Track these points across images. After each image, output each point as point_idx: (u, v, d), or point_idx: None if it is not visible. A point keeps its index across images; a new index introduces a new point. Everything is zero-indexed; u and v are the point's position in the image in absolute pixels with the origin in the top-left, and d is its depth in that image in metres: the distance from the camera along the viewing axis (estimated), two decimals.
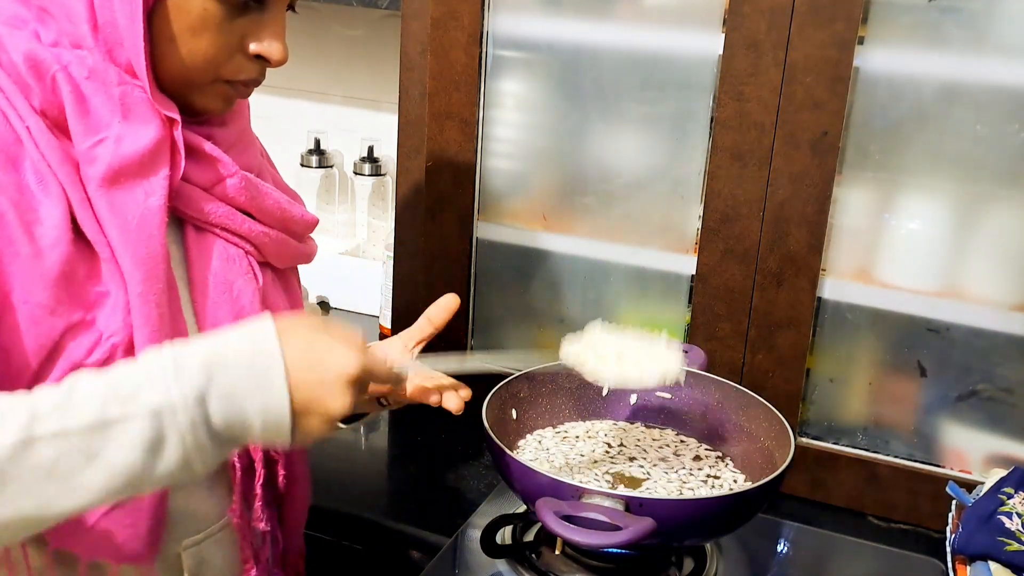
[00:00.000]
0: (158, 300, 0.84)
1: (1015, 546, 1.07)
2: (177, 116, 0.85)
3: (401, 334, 1.05)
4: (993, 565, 1.07)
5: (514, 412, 1.17)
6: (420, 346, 1.04)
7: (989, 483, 1.17)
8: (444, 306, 1.04)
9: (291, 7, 0.89)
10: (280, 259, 0.98)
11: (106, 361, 0.82)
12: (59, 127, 0.82)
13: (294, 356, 0.76)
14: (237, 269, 0.93)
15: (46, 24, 0.82)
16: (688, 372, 1.21)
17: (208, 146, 0.89)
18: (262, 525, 0.97)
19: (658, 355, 1.00)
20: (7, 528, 0.70)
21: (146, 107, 0.83)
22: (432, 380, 1.03)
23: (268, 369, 0.75)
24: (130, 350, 0.83)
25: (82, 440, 0.70)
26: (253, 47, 0.86)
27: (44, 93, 0.81)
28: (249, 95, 0.92)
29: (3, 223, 0.78)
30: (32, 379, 0.80)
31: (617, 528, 0.91)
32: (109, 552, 0.87)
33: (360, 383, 0.79)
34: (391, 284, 1.55)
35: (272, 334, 0.76)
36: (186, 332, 0.88)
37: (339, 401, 0.77)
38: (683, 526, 0.99)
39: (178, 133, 0.85)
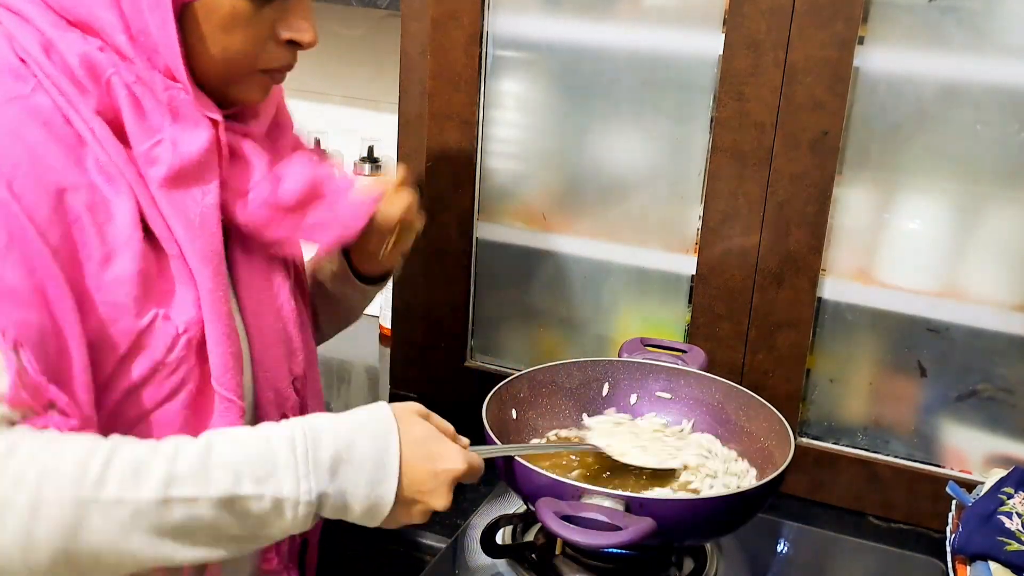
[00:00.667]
0: (224, 296, 0.87)
1: (1015, 546, 1.07)
2: (220, 117, 0.87)
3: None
4: (993, 565, 1.07)
5: (514, 412, 1.17)
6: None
7: (989, 483, 1.17)
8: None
9: None
10: (322, 236, 0.98)
11: (184, 358, 0.85)
12: (116, 130, 0.83)
13: (410, 451, 0.84)
14: (273, 266, 0.97)
15: (87, 35, 0.83)
16: (688, 372, 1.21)
17: (247, 146, 0.91)
18: None
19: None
20: (114, 570, 0.76)
21: (192, 109, 0.85)
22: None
23: (385, 471, 0.83)
24: (202, 345, 0.86)
25: (210, 511, 0.76)
26: (284, 33, 0.88)
27: (100, 96, 0.82)
28: (283, 80, 0.94)
29: (79, 225, 0.79)
30: (113, 374, 0.82)
31: (617, 528, 0.91)
32: None
33: (464, 479, 0.88)
34: (391, 284, 1.55)
35: (395, 435, 0.84)
36: (236, 329, 0.90)
37: (442, 500, 0.85)
38: (683, 526, 0.99)
39: (222, 134, 0.88)
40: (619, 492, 0.95)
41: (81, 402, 0.78)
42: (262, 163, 0.92)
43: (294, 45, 0.89)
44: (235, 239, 0.93)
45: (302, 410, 0.99)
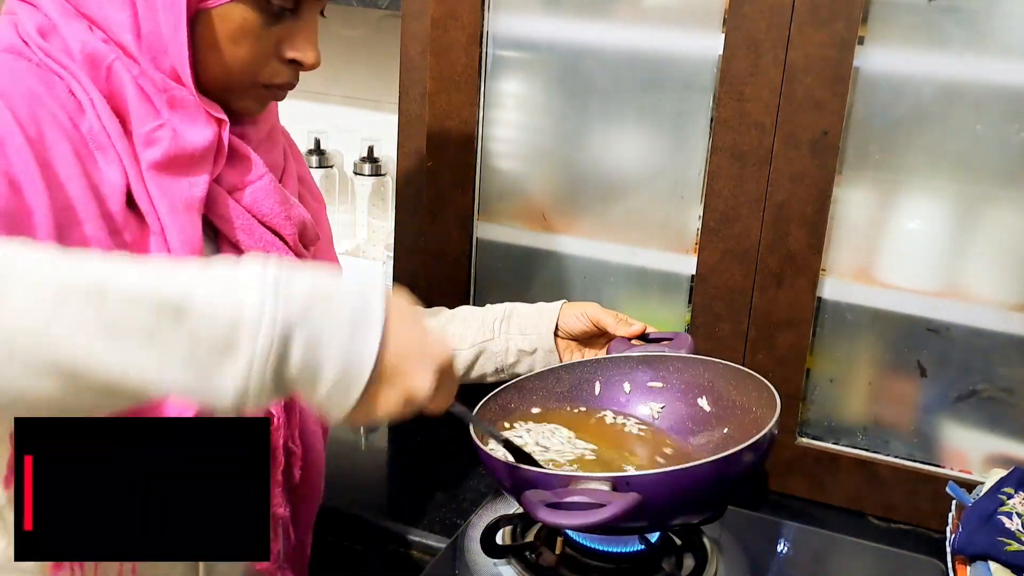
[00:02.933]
0: None
1: (1015, 546, 1.07)
2: (225, 117, 0.89)
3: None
4: (993, 565, 1.07)
5: (505, 423, 1.16)
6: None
7: (989, 483, 1.17)
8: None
9: (321, 12, 0.93)
10: None
11: None
12: (116, 110, 0.85)
13: (398, 321, 0.71)
14: None
15: (93, 29, 0.85)
16: (673, 357, 1.19)
17: (248, 149, 0.93)
18: (281, 510, 0.99)
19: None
20: (36, 368, 0.63)
21: (194, 106, 0.87)
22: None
23: (367, 323, 0.69)
24: None
25: (152, 314, 0.64)
26: (289, 52, 0.91)
27: (102, 78, 0.84)
28: (283, 97, 0.96)
29: (66, 162, 0.80)
30: None
31: (602, 507, 0.90)
32: None
33: (444, 378, 0.74)
34: (391, 284, 1.55)
35: (381, 293, 0.71)
36: None
37: (423, 381, 0.72)
38: (669, 499, 0.95)
39: (225, 135, 0.89)
40: (605, 474, 0.94)
41: None
42: (260, 166, 0.94)
43: (296, 64, 0.92)
44: (224, 240, 0.94)
45: (288, 408, 0.99)
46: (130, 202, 0.85)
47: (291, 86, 0.94)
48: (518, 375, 1.21)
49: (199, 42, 0.87)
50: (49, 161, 0.79)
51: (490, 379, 1.22)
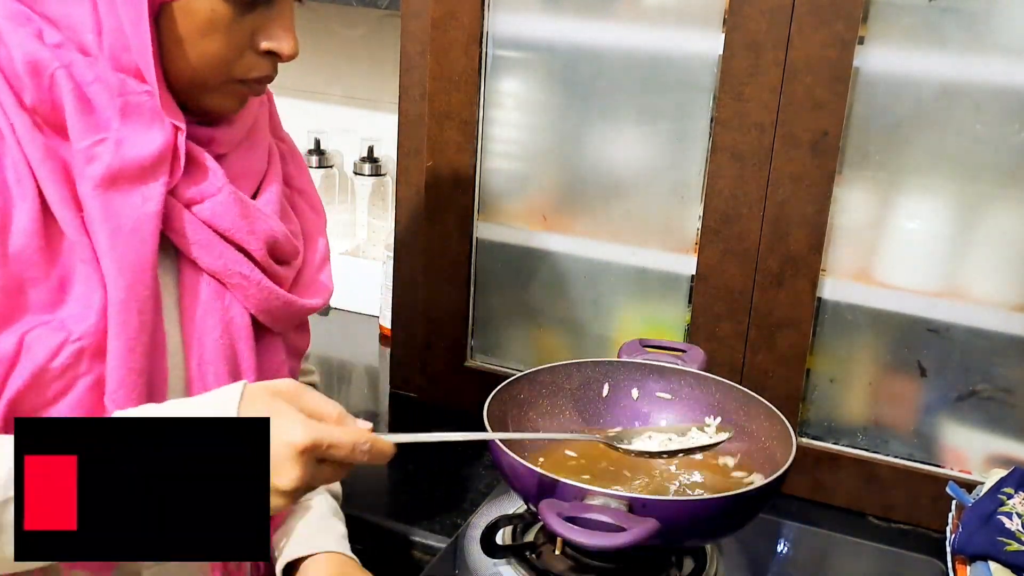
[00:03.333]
0: (140, 308, 0.82)
1: (1015, 546, 1.07)
2: (183, 124, 0.84)
3: None
4: (993, 565, 1.07)
5: (514, 412, 1.17)
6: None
7: (989, 483, 1.17)
8: None
9: None
10: (248, 297, 0.91)
11: (72, 364, 0.80)
12: (51, 124, 0.80)
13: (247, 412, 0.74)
14: (220, 294, 0.90)
15: (50, 29, 0.81)
16: (688, 372, 1.21)
17: (205, 157, 0.87)
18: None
19: None
20: None
21: (150, 112, 0.82)
22: None
23: None
24: (99, 355, 0.81)
25: None
26: (264, 43, 0.85)
27: (39, 91, 0.79)
28: (262, 92, 0.91)
29: None
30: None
31: (621, 529, 0.91)
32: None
33: (312, 456, 0.74)
34: (391, 284, 1.55)
35: (234, 404, 0.74)
36: (164, 345, 0.86)
37: (286, 476, 0.73)
38: (686, 527, 0.99)
39: (181, 141, 0.84)
40: (622, 492, 0.95)
41: None
42: (219, 176, 0.88)
43: (273, 56, 0.86)
44: (183, 259, 0.88)
45: None
46: (53, 231, 0.80)
47: (269, 80, 0.88)
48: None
49: (166, 37, 0.81)
50: None
51: None
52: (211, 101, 0.87)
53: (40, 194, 0.79)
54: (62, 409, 0.80)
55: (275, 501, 0.74)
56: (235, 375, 0.90)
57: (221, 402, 0.75)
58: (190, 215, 0.86)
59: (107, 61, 0.81)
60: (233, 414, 0.74)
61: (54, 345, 0.79)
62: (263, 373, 0.93)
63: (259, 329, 0.94)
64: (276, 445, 0.72)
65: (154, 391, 0.84)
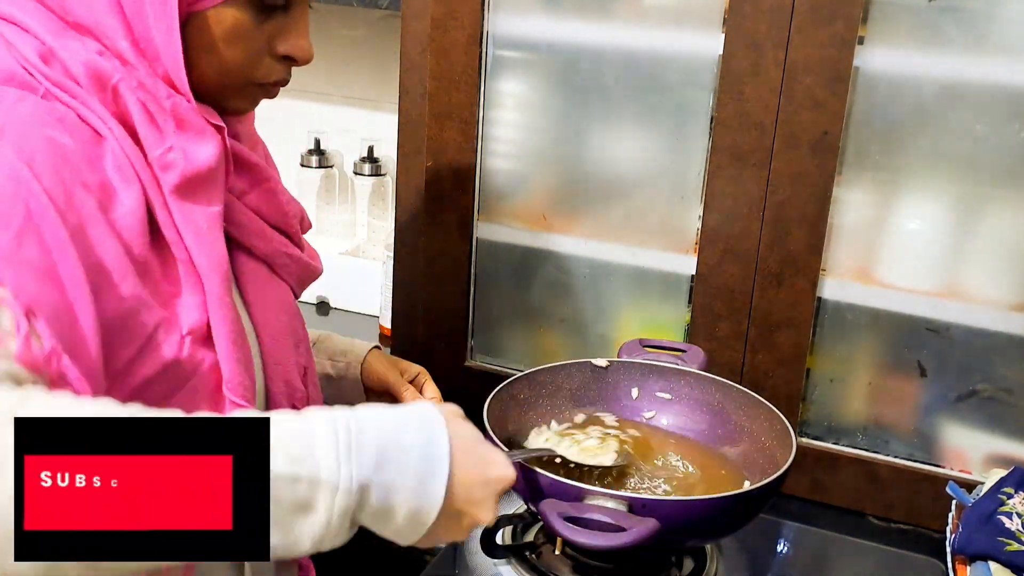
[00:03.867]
0: (231, 301, 0.87)
1: (1015, 546, 1.07)
2: (223, 124, 0.87)
3: None
4: (993, 565, 1.07)
5: (514, 412, 1.17)
6: None
7: (989, 483, 1.17)
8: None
9: (309, 4, 0.91)
10: (291, 274, 1.00)
11: (189, 359, 0.84)
12: (130, 133, 0.82)
13: (461, 457, 0.76)
14: (270, 275, 0.98)
15: (85, 40, 0.82)
16: (688, 372, 1.21)
17: (246, 153, 0.93)
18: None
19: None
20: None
21: (196, 118, 0.85)
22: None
23: (434, 468, 0.74)
24: (209, 349, 0.85)
25: None
26: (282, 48, 0.89)
27: (109, 101, 0.81)
28: (276, 95, 0.94)
29: (94, 221, 0.78)
30: (122, 370, 0.80)
31: (621, 529, 0.91)
32: None
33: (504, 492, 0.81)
34: (391, 284, 1.55)
35: (444, 430, 0.75)
36: (245, 333, 0.89)
37: (487, 512, 0.78)
38: (686, 527, 0.99)
39: (228, 141, 0.88)
40: (621, 493, 0.95)
41: (91, 389, 0.76)
42: (260, 168, 0.95)
43: (289, 60, 0.90)
44: (238, 247, 0.94)
45: (309, 403, 0.99)
46: (155, 231, 0.83)
47: (285, 83, 0.92)
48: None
49: (192, 45, 0.84)
50: (81, 226, 0.76)
51: None
52: (229, 103, 0.90)
53: (145, 193, 0.82)
54: (182, 400, 0.83)
55: (463, 535, 0.79)
56: (298, 349, 0.98)
57: (423, 415, 0.76)
58: (242, 207, 0.93)
59: (144, 69, 0.83)
60: (443, 430, 0.75)
61: (176, 342, 0.83)
62: (308, 342, 1.01)
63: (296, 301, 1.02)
64: (492, 480, 0.78)
65: (249, 378, 0.89)
